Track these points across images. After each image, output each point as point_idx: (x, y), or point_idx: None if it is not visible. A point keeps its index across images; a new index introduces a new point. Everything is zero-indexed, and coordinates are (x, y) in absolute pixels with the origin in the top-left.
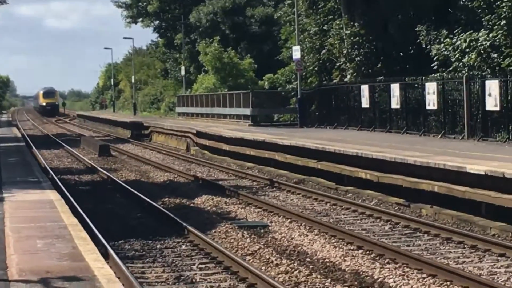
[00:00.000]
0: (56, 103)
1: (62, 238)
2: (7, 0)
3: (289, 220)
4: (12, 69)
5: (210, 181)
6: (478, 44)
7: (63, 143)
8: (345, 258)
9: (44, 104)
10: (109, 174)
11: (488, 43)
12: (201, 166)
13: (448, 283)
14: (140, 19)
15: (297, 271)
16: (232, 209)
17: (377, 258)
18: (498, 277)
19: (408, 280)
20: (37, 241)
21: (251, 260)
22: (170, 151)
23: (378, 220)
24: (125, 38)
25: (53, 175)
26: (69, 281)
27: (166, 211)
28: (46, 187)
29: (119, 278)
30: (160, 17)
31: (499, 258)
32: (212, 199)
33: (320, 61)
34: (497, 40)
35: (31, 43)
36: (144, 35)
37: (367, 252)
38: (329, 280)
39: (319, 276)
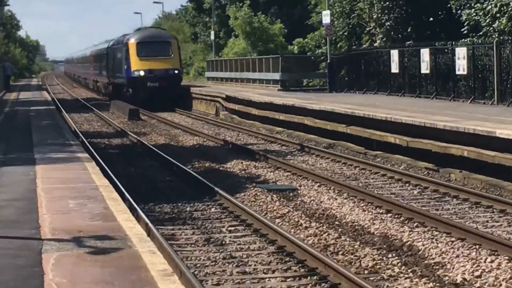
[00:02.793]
0: (176, 71)
1: (94, 198)
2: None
3: (318, 184)
4: (41, 33)
5: (240, 145)
6: (509, 9)
7: (92, 107)
8: (374, 222)
9: (142, 73)
10: (138, 138)
11: None
12: (230, 131)
13: (477, 246)
14: None
15: (326, 234)
16: (261, 173)
17: (406, 221)
18: None
19: (437, 243)
20: (69, 201)
21: (280, 223)
22: (199, 116)
23: (407, 185)
24: (155, 2)
25: (83, 138)
26: (101, 240)
27: (195, 174)
28: (77, 150)
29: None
30: None
31: None
32: (242, 163)
33: (350, 26)
34: None
35: (60, 8)
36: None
37: (396, 216)
38: (358, 243)
39: (348, 239)
